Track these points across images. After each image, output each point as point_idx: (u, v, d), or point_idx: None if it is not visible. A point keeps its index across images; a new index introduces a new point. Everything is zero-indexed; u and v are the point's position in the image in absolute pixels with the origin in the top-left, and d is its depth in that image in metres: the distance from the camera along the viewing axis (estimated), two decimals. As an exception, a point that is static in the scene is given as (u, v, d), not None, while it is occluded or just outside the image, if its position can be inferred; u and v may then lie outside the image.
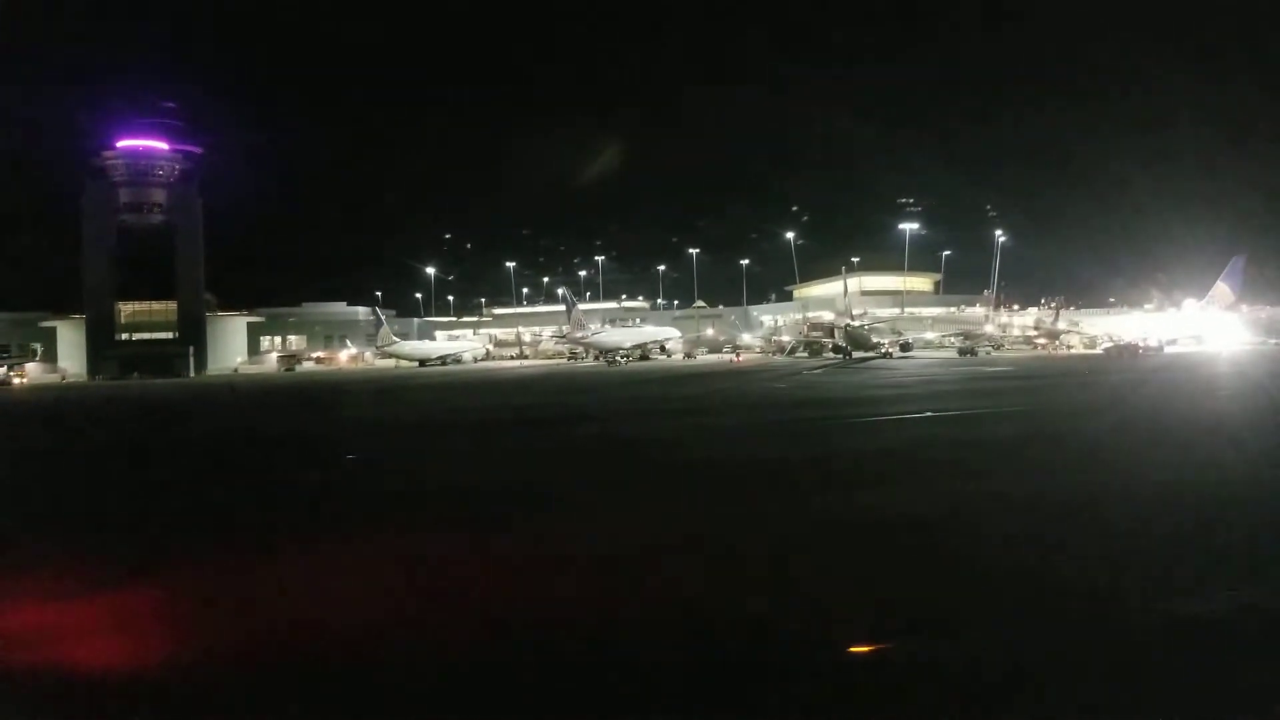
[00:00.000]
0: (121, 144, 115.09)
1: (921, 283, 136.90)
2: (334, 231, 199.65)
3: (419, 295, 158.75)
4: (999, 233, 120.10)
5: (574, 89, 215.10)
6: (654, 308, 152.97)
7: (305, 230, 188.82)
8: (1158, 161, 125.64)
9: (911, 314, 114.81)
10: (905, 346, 78.19)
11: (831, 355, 78.49)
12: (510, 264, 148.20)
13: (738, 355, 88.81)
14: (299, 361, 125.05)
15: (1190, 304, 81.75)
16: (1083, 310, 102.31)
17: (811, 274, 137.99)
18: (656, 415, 28.90)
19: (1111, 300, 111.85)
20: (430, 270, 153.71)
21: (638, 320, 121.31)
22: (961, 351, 74.68)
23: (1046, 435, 19.27)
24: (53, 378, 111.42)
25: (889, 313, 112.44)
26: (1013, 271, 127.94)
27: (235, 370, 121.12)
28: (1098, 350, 71.12)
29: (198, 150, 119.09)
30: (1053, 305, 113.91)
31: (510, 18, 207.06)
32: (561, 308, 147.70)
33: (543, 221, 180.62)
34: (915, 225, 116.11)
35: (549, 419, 28.92)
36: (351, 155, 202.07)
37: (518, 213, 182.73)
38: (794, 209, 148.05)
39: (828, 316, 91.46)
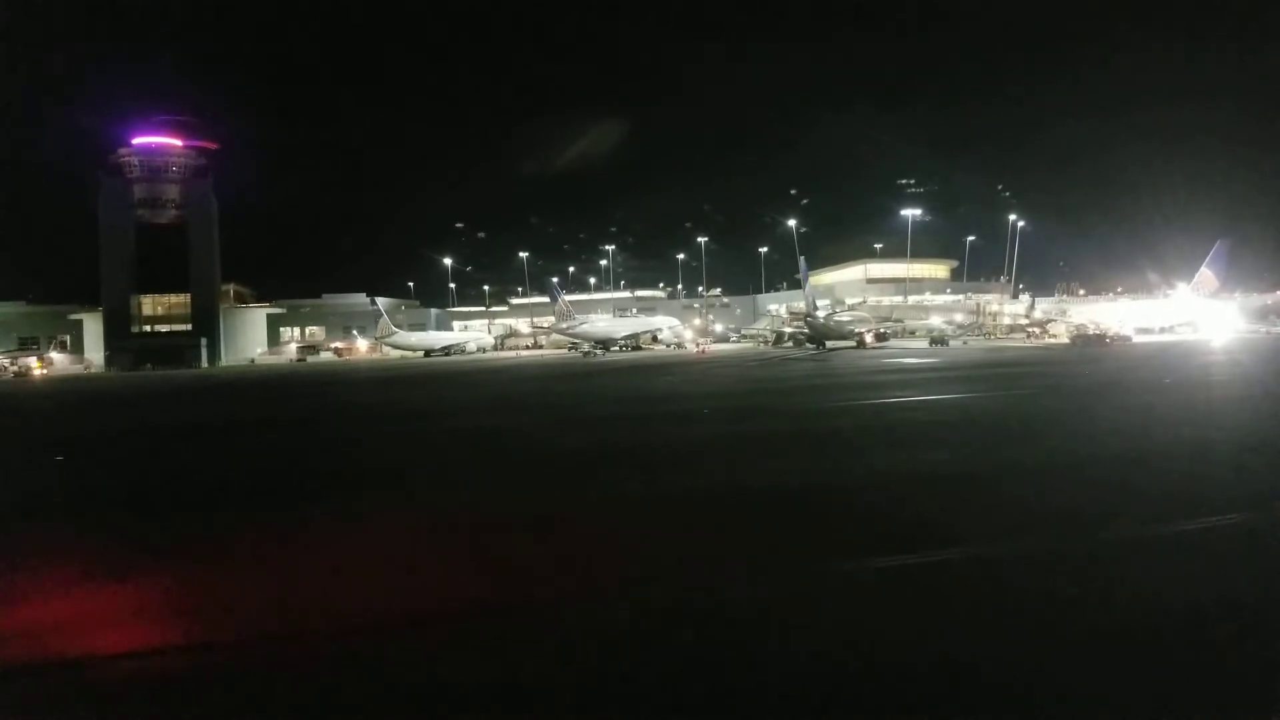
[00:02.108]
0: (136, 141, 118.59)
1: (936, 269, 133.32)
2: (369, 226, 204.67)
3: (452, 285, 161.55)
4: (1013, 216, 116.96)
5: (591, 82, 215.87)
6: (671, 296, 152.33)
7: (338, 224, 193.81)
8: (1169, 147, 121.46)
9: (920, 301, 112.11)
10: (881, 337, 76.24)
11: (810, 346, 76.93)
12: (523, 254, 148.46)
13: (701, 347, 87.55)
14: (316, 352, 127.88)
15: (1183, 290, 77.76)
16: (1072, 298, 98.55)
17: (832, 259, 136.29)
18: (486, 413, 28.72)
19: (1119, 288, 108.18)
20: (448, 261, 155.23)
21: (633, 310, 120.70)
22: (933, 341, 72.45)
23: (741, 435, 18.39)
24: (77, 368, 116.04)
25: (892, 300, 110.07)
26: (1035, 258, 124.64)
27: (252, 361, 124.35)
28: (1064, 340, 68.21)
29: (212, 146, 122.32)
30: (1060, 292, 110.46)
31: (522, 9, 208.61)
32: (578, 297, 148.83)
33: (565, 212, 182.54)
34: (918, 211, 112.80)
35: (392, 415, 29.19)
36: (381, 151, 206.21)
37: (541, 204, 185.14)
38: (806, 196, 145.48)
39: (772, 307, 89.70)
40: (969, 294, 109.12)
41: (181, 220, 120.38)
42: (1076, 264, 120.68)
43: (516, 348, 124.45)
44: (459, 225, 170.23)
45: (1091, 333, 63.89)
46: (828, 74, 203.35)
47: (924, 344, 74.99)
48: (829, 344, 74.23)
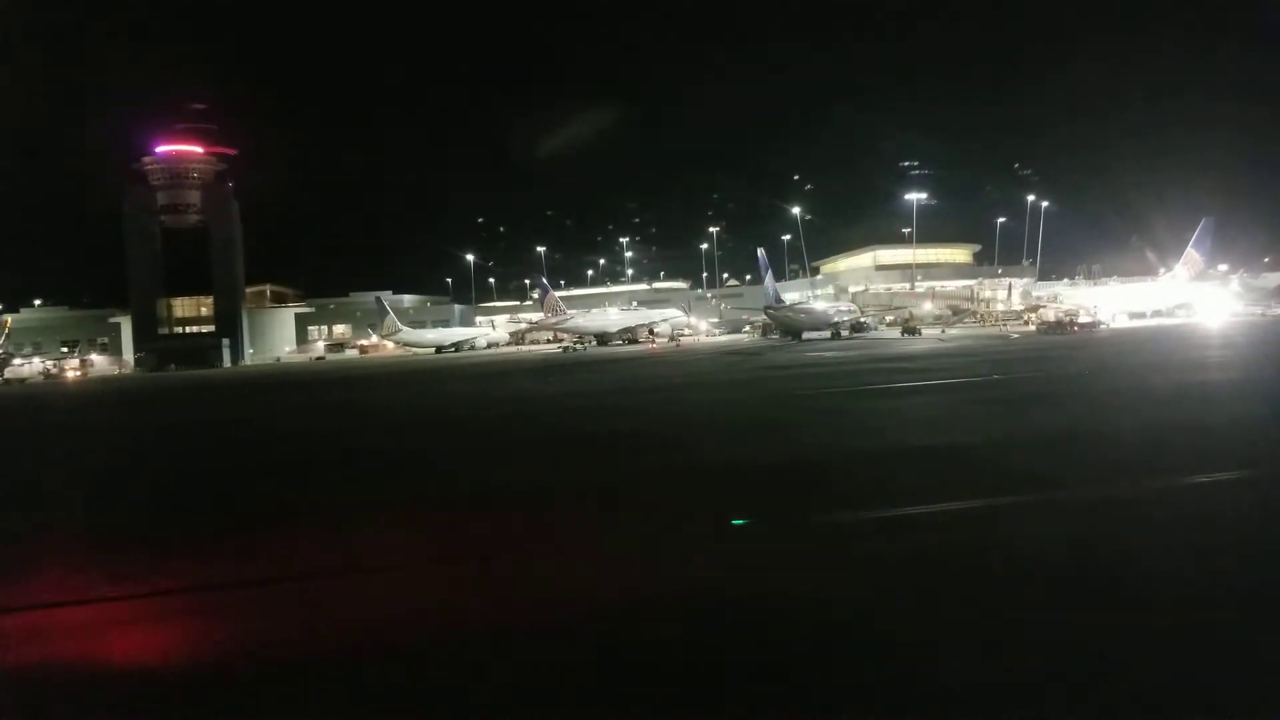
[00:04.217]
0: (159, 150, 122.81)
1: (957, 254, 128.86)
2: (408, 223, 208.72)
3: (492, 280, 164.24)
4: (1031, 197, 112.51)
5: (612, 76, 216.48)
6: (692, 287, 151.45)
7: (376, 223, 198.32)
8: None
9: (932, 288, 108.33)
10: (857, 327, 74.08)
11: (789, 338, 75.27)
12: (540, 248, 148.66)
13: (653, 341, 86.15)
14: (341, 350, 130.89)
15: (1180, 271, 72.92)
16: (1072, 283, 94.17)
17: (846, 245, 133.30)
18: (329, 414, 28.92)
19: (1088, 269, 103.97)
20: (471, 257, 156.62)
21: (633, 304, 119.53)
22: (905, 331, 69.80)
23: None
24: (114, 370, 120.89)
25: (900, 287, 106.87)
26: (1060, 241, 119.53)
27: (278, 360, 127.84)
28: (1031, 327, 64.86)
29: (231, 152, 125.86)
30: (1081, 276, 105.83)
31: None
32: (597, 290, 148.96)
33: (590, 206, 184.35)
34: (924, 195, 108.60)
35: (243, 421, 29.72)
36: (414, 149, 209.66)
37: (566, 198, 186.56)
38: (828, 183, 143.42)
39: (793, 296, 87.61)
40: (981, 280, 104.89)
41: (203, 224, 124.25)
42: (1101, 247, 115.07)
43: (538, 341, 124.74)
44: (491, 222, 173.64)
45: (1055, 320, 60.64)
46: (850, 62, 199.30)
47: (891, 334, 72.61)
48: (805, 335, 72.54)
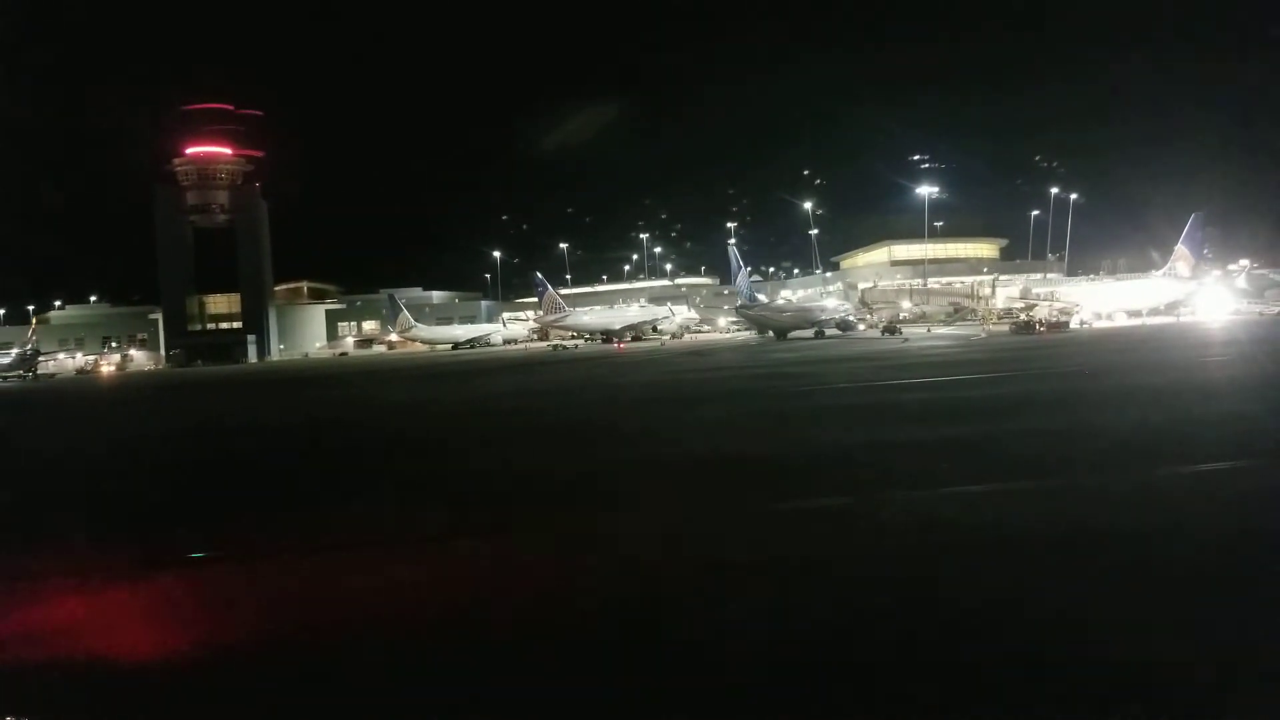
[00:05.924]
0: (189, 151, 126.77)
1: (981, 248, 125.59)
2: (450, 221, 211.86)
3: (537, 273, 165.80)
4: (1055, 190, 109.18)
5: (636, 79, 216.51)
6: (721, 282, 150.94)
7: (419, 222, 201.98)
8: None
9: (949, 284, 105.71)
10: (844, 325, 72.91)
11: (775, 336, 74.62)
12: (563, 245, 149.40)
13: (620, 343, 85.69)
14: (369, 345, 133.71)
15: (1180, 268, 69.72)
16: (1068, 279, 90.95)
17: (863, 239, 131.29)
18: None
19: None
20: (497, 254, 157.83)
21: (642, 301, 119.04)
22: (886, 330, 68.21)
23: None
24: (148, 365, 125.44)
25: (913, 284, 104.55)
26: (1085, 235, 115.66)
27: (306, 355, 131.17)
28: (1005, 327, 62.55)
29: (259, 154, 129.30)
30: (1106, 271, 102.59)
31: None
32: (611, 287, 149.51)
33: (615, 204, 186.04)
34: (935, 190, 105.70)
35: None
36: (447, 148, 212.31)
37: (592, 197, 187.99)
38: (852, 177, 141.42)
39: (786, 293, 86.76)
40: (991, 276, 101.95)
41: (231, 224, 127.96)
42: (1132, 241, 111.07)
43: (562, 336, 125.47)
44: (527, 220, 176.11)
45: (1026, 321, 58.62)
46: (874, 57, 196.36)
47: (881, 332, 71.23)
48: (790, 334, 71.83)
